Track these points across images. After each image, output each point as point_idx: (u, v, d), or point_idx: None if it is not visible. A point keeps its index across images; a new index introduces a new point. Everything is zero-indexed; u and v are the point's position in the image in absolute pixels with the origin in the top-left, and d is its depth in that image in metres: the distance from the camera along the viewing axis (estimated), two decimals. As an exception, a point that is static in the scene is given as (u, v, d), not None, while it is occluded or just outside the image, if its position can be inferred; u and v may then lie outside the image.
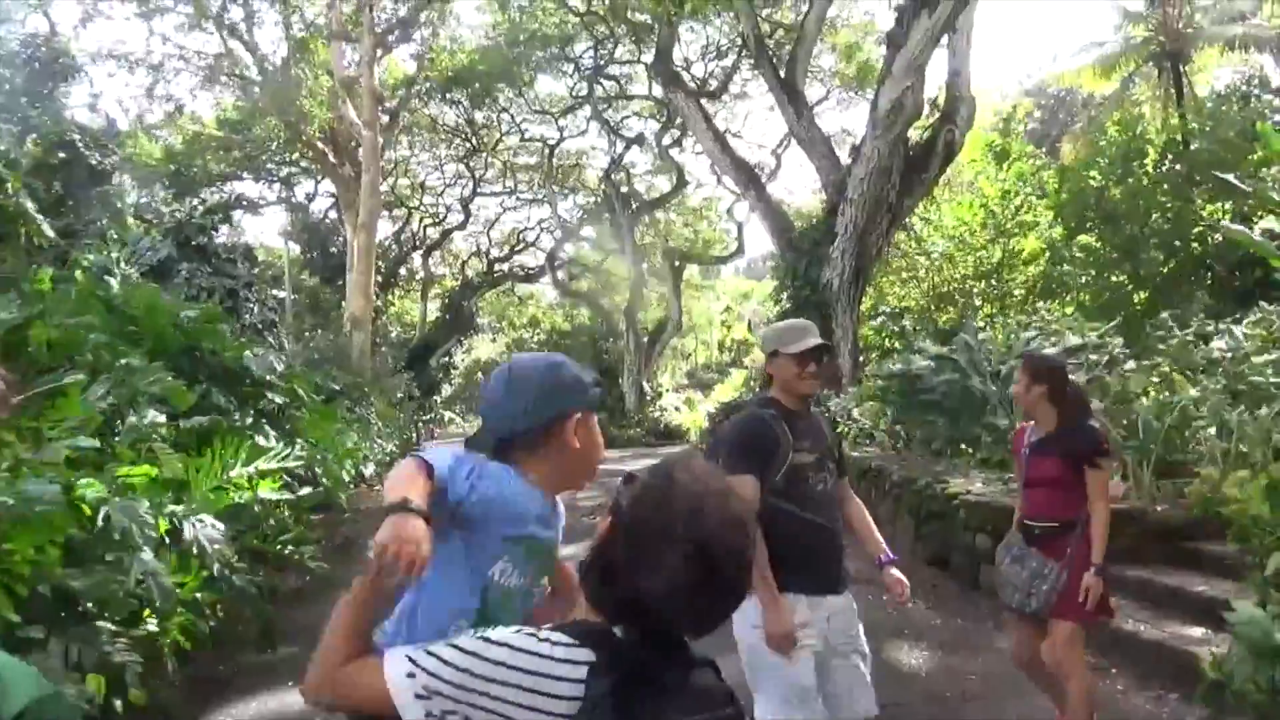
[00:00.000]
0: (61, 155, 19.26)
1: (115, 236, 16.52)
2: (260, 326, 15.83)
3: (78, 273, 7.20)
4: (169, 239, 15.05)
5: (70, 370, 5.10)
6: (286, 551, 6.19)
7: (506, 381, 1.90)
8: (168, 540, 4.76)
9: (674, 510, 1.36)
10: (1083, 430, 3.99)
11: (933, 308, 20.34)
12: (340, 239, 35.04)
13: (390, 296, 41.41)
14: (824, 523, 3.35)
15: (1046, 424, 4.08)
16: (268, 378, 7.78)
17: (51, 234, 9.70)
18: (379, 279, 37.93)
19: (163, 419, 6.03)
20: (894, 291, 23.04)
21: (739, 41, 26.26)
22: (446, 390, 49.80)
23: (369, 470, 13.63)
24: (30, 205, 8.68)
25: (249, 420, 7.36)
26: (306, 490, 7.53)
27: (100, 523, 4.06)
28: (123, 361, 5.79)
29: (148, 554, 4.16)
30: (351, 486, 12.86)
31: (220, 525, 4.80)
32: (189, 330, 7.60)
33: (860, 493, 9.27)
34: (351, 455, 11.73)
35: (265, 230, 69.48)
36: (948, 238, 20.24)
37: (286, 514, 5.79)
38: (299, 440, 8.41)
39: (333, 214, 37.14)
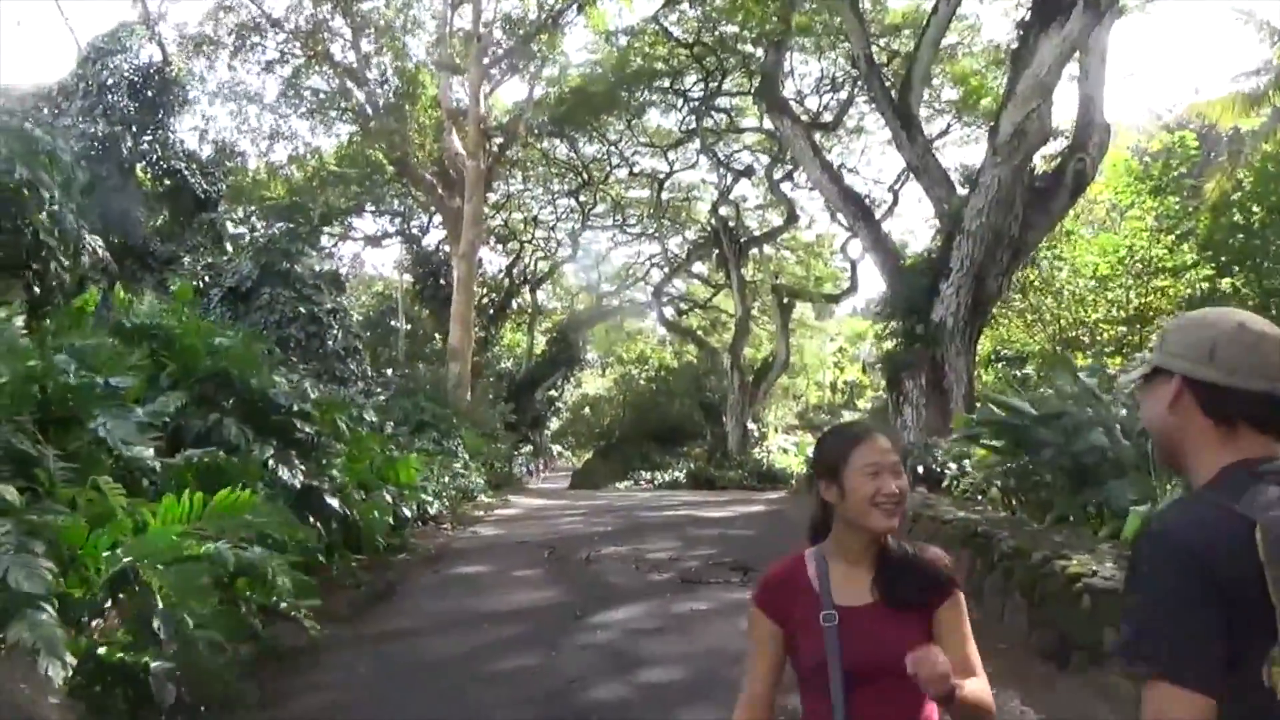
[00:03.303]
0: (168, 183, 19.55)
1: (209, 262, 16.52)
2: (343, 353, 15.45)
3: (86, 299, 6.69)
4: (254, 263, 14.82)
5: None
6: (282, 607, 5.40)
7: None
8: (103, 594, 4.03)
9: None
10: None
11: (1060, 352, 18.74)
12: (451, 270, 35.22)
13: (501, 329, 41.47)
14: None
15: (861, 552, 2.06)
16: (296, 408, 7.10)
17: (97, 255, 9.35)
18: (490, 311, 38.06)
19: (149, 453, 5.37)
20: (1018, 335, 21.47)
21: (853, 73, 25.27)
22: (555, 424, 49.64)
23: (434, 508, 12.93)
24: (72, 224, 8.31)
25: (268, 453, 6.68)
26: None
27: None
28: (101, 383, 5.16)
29: (46, 612, 3.42)
30: (417, 524, 12.23)
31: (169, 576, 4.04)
32: (220, 356, 7.04)
33: (963, 562, 8.08)
34: (411, 493, 11.08)
35: (386, 263, 70.84)
36: (1081, 277, 18.67)
37: (274, 565, 4.97)
38: (332, 475, 7.76)
39: (446, 247, 37.49)
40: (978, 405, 16.04)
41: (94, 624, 4.19)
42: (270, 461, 6.73)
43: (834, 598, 2.02)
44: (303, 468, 7.10)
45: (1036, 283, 19.47)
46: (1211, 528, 1.32)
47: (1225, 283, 16.39)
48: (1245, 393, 1.42)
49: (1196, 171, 19.60)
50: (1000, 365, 20.09)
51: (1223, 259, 16.03)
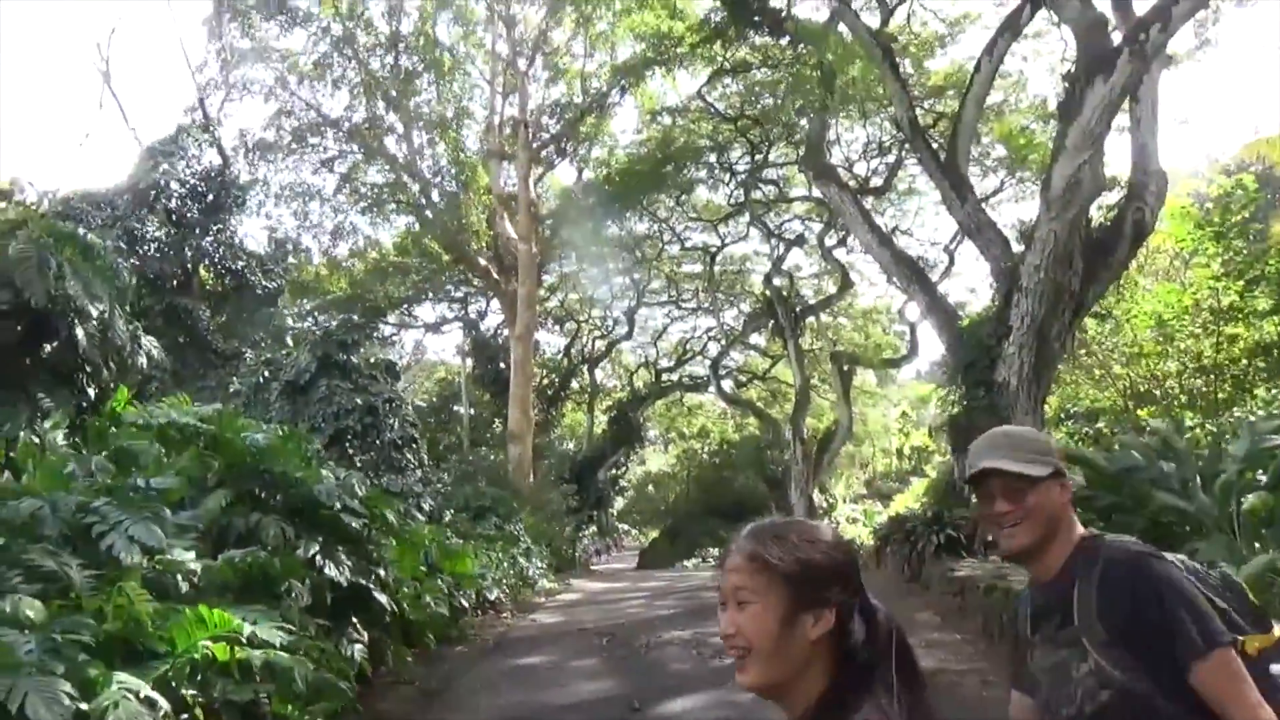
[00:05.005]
0: (229, 281, 20.08)
1: (267, 357, 16.78)
2: (400, 443, 15.48)
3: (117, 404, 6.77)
4: (310, 355, 15.02)
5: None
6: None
7: None
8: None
9: None
10: None
11: (1132, 408, 18.08)
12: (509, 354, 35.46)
13: (561, 410, 41.58)
14: None
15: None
16: (338, 504, 7.02)
17: (153, 357, 9.51)
18: (549, 393, 38.20)
19: (189, 555, 5.29)
20: (1086, 392, 20.80)
21: (899, 137, 25.23)
22: (620, 503, 49.31)
23: (494, 595, 12.72)
24: (122, 331, 8.47)
25: (314, 550, 6.57)
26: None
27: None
28: (141, 485, 5.11)
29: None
30: (476, 613, 12.04)
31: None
32: (259, 454, 7.01)
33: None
34: (469, 582, 10.91)
35: (447, 348, 71.69)
36: (1145, 328, 18.08)
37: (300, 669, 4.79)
38: (381, 570, 7.64)
39: (505, 331, 37.85)
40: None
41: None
42: (317, 559, 6.63)
43: None
44: (349, 564, 6.98)
45: (1099, 337, 18.91)
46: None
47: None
48: None
49: (1260, 214, 19.00)
50: (1069, 424, 19.44)
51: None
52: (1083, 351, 19.12)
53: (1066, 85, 14.86)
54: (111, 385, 7.99)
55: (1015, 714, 2.18)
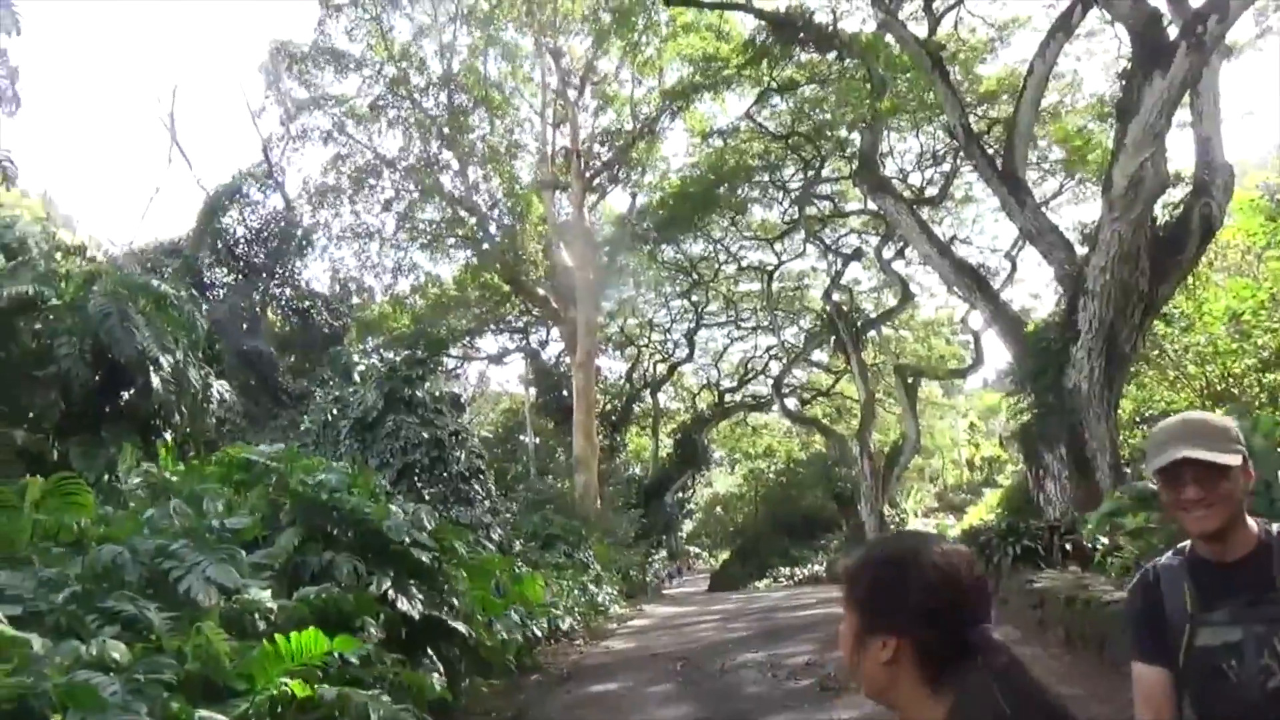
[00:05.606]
0: (295, 322, 20.54)
1: (335, 395, 17.08)
2: (467, 474, 15.61)
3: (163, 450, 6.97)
4: (377, 392, 15.26)
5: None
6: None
7: None
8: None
9: None
10: None
11: (1209, 407, 17.52)
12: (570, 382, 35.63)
13: (624, 435, 41.57)
14: None
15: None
16: (407, 538, 7.09)
17: (225, 401, 9.76)
18: (612, 418, 38.27)
19: (266, 594, 5.39)
20: (1162, 394, 20.23)
21: (954, 145, 24.93)
22: (688, 526, 49.09)
23: (566, 624, 12.74)
24: (195, 378, 8.72)
25: (385, 585, 6.66)
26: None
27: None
28: (216, 526, 5.23)
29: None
30: (550, 641, 12.07)
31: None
32: (334, 492, 7.12)
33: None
34: (541, 610, 10.95)
35: (511, 379, 72.33)
36: (1219, 323, 17.55)
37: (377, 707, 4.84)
38: (454, 601, 7.70)
39: (566, 359, 38.06)
40: (1129, 472, 15.07)
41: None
42: (389, 593, 6.71)
43: None
44: (421, 597, 7.05)
45: (1168, 337, 18.42)
46: None
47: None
48: None
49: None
50: (1144, 427, 18.91)
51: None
52: (1155, 352, 18.64)
53: (1123, 83, 14.59)
54: (187, 430, 8.25)
55: (1147, 686, 2.22)
